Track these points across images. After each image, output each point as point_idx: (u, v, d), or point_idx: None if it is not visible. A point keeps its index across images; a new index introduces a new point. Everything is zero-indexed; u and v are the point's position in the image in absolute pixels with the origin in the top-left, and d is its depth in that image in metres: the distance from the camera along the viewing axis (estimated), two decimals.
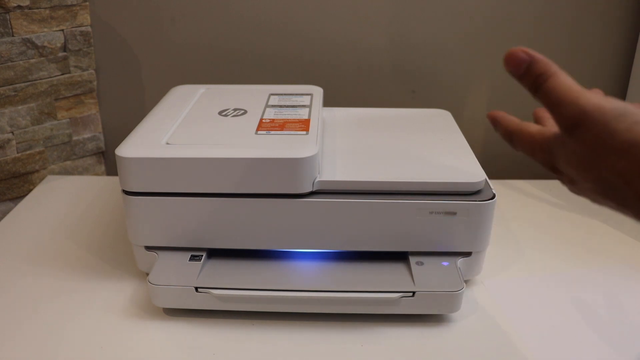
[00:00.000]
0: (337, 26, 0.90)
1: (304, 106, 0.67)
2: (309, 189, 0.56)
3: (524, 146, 0.40)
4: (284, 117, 0.64)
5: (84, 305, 0.60)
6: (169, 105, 0.69)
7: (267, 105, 0.68)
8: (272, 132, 0.60)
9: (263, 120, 0.63)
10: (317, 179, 0.57)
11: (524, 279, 0.65)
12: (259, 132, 0.60)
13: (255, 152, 0.55)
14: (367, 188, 0.57)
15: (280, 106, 0.67)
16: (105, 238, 0.72)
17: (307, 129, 0.60)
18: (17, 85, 0.83)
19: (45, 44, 0.84)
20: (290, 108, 0.67)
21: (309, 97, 0.71)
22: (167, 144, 0.58)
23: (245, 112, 0.66)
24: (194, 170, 0.55)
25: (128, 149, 0.56)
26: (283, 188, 0.56)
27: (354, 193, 0.57)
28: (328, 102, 0.85)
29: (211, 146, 0.57)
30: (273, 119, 0.63)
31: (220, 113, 0.65)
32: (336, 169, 0.59)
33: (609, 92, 0.93)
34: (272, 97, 0.71)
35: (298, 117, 0.64)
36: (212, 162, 0.55)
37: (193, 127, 0.62)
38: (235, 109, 0.66)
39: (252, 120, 0.63)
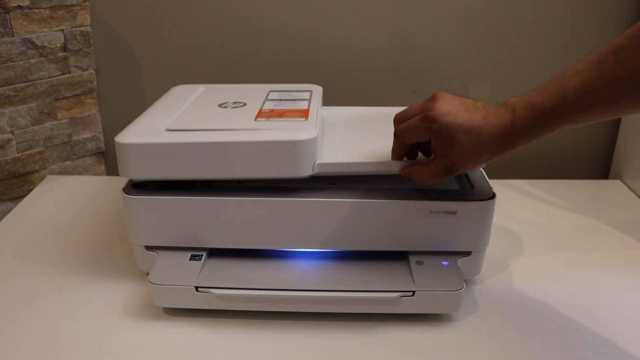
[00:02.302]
0: (337, 26, 0.90)
1: (303, 99, 0.67)
2: (309, 173, 0.56)
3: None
4: (283, 108, 0.64)
5: (84, 305, 0.60)
6: (169, 101, 0.68)
7: (266, 99, 0.67)
8: (272, 119, 0.60)
9: (262, 110, 0.63)
10: (317, 162, 0.56)
11: (524, 279, 0.65)
12: (259, 119, 0.60)
13: (256, 135, 0.55)
14: (366, 170, 0.57)
15: (280, 100, 0.67)
16: (105, 238, 0.72)
17: (306, 117, 0.60)
18: (17, 85, 0.83)
19: (45, 44, 0.84)
20: (290, 101, 0.66)
21: (308, 93, 0.71)
22: (168, 130, 0.57)
23: (245, 104, 0.65)
24: (194, 155, 0.55)
25: (128, 136, 0.56)
26: (283, 172, 0.55)
27: (352, 178, 0.57)
28: (328, 101, 0.85)
29: (211, 132, 0.57)
30: (272, 109, 0.63)
31: (219, 105, 0.65)
32: (336, 158, 0.59)
33: None
34: (271, 93, 0.71)
35: (297, 107, 0.64)
36: (212, 146, 0.55)
37: (193, 116, 0.62)
38: (234, 102, 0.66)
39: (251, 110, 0.63)
